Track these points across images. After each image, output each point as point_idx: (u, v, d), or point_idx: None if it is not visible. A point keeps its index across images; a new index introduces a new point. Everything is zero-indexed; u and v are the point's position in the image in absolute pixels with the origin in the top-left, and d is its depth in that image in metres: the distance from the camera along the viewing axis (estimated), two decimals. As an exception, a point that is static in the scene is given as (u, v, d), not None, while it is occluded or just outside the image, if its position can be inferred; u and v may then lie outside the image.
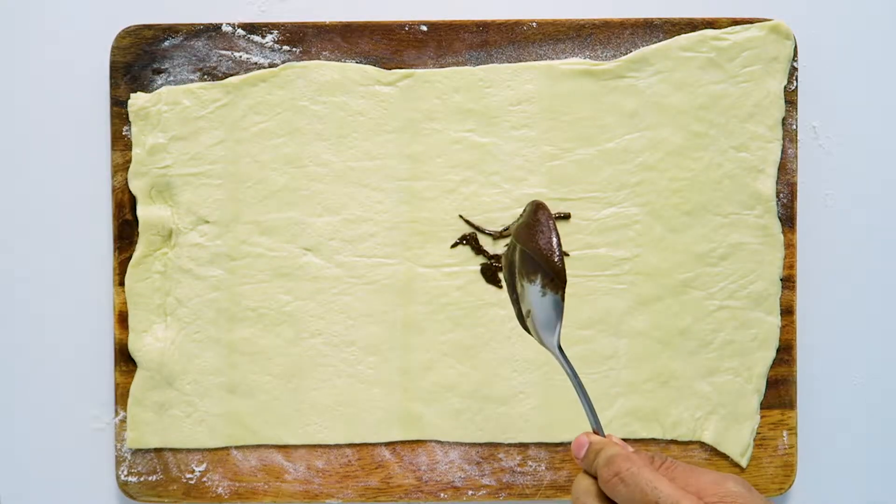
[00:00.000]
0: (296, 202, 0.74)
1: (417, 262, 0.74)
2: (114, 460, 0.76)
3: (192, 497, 0.74)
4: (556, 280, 0.58)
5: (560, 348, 0.58)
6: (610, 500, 0.54)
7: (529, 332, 0.60)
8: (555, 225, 0.58)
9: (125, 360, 0.74)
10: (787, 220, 0.74)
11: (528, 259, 0.60)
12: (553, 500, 0.74)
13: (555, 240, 0.57)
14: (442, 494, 0.74)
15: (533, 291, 0.59)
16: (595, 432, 0.59)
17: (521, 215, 0.63)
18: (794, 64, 0.74)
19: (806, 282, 0.76)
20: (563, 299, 0.57)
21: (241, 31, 0.74)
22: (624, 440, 0.74)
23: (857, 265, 0.77)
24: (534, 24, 0.74)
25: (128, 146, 0.74)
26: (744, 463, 0.74)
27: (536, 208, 0.60)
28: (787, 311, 0.74)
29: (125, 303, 0.74)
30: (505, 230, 0.68)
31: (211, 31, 0.74)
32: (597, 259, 0.74)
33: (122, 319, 0.74)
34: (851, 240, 0.77)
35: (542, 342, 0.59)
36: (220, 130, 0.74)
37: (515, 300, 0.61)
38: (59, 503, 0.77)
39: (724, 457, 0.74)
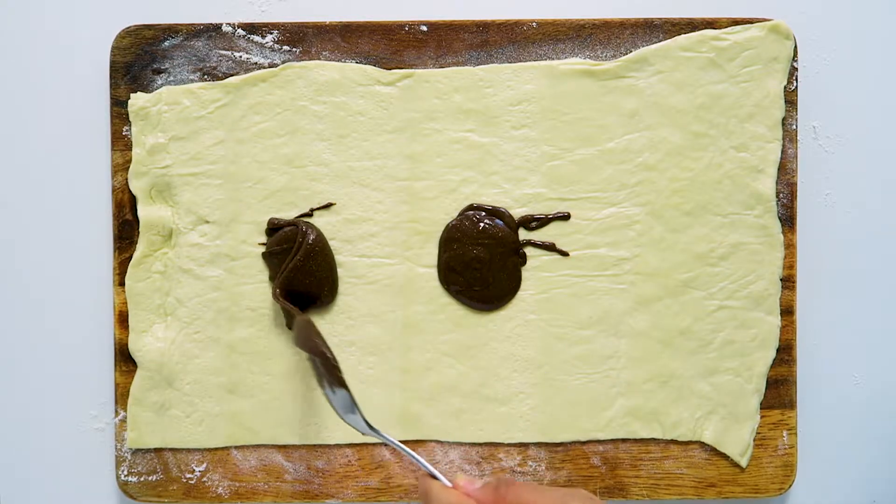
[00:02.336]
0: (296, 202, 0.74)
1: (417, 262, 0.74)
2: (114, 460, 0.76)
3: (192, 497, 0.74)
4: (334, 375, 0.64)
5: (370, 426, 0.64)
6: None
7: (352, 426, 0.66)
8: (316, 332, 0.66)
9: (125, 360, 0.74)
10: (787, 220, 0.74)
11: (314, 368, 0.66)
12: (553, 500, 0.74)
13: (320, 343, 0.64)
14: (442, 494, 0.74)
15: (328, 393, 0.65)
16: (433, 477, 0.60)
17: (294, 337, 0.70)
18: (794, 64, 0.74)
19: (806, 282, 0.76)
20: (349, 391, 0.63)
21: (241, 31, 0.74)
22: (624, 440, 0.74)
23: (857, 265, 0.77)
24: (534, 24, 0.74)
25: (128, 146, 0.74)
26: (744, 463, 0.74)
27: (299, 329, 0.68)
28: (787, 311, 0.74)
29: (125, 303, 0.74)
30: None
31: (211, 31, 0.74)
32: (597, 259, 0.74)
33: (122, 319, 0.74)
34: (851, 240, 0.77)
35: (357, 429, 0.64)
36: (220, 130, 0.74)
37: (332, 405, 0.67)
38: (58, 503, 0.77)
39: (724, 457, 0.74)
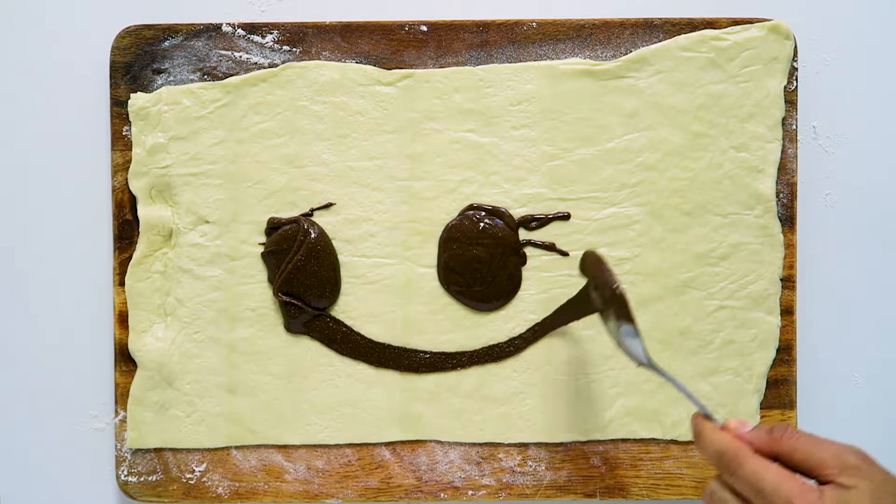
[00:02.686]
0: (296, 202, 0.74)
1: (417, 262, 0.74)
2: (114, 460, 0.76)
3: (192, 497, 0.74)
4: (623, 312, 0.63)
5: (651, 363, 0.62)
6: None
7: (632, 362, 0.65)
8: (609, 266, 0.65)
9: (125, 360, 0.74)
10: (787, 220, 0.74)
11: (600, 294, 0.66)
12: (553, 500, 0.74)
13: (613, 279, 0.64)
14: (442, 494, 0.74)
15: (610, 322, 0.64)
16: (706, 417, 0.59)
17: (581, 266, 0.70)
18: (794, 64, 0.74)
19: (806, 282, 0.76)
20: (635, 327, 0.62)
21: (241, 31, 0.74)
22: (624, 440, 0.74)
23: (857, 265, 0.77)
24: (534, 24, 0.74)
25: (128, 146, 0.74)
26: (744, 463, 0.74)
27: (590, 261, 0.68)
28: (787, 311, 0.74)
29: (125, 303, 0.74)
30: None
31: (211, 31, 0.74)
32: (597, 259, 0.74)
33: (122, 319, 0.74)
34: (851, 240, 0.77)
35: (634, 358, 0.63)
36: (221, 130, 0.74)
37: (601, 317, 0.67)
38: (59, 503, 0.77)
39: (724, 457, 0.74)
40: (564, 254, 0.74)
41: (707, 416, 0.58)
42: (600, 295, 0.65)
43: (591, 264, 0.67)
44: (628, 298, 0.63)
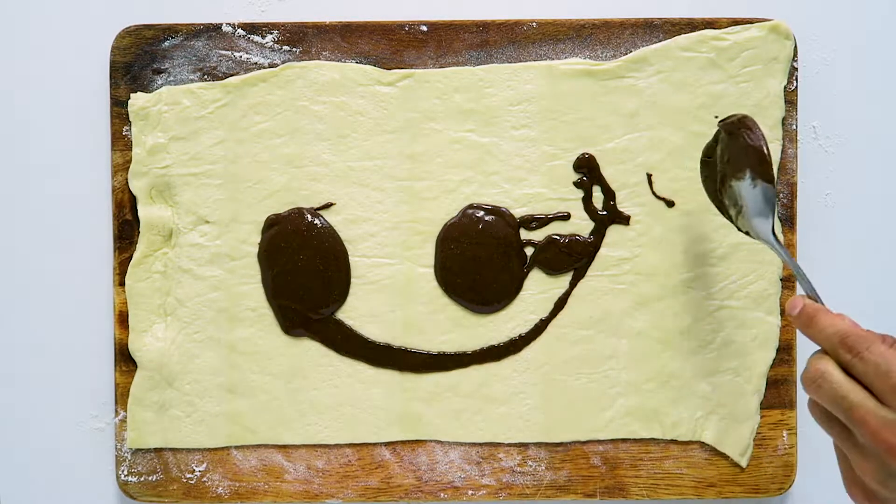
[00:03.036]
0: (296, 202, 0.74)
1: (417, 262, 0.74)
2: (114, 460, 0.76)
3: (192, 497, 0.74)
4: (764, 168, 0.63)
5: (775, 236, 0.62)
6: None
7: (742, 231, 0.65)
8: (761, 130, 0.64)
9: (125, 360, 0.74)
10: (787, 220, 0.74)
11: (735, 158, 0.65)
12: (553, 500, 0.74)
13: (760, 133, 0.63)
14: (442, 494, 0.74)
15: (744, 186, 0.64)
16: (811, 297, 0.58)
17: (719, 135, 0.68)
18: (794, 64, 0.74)
19: (806, 282, 0.76)
20: (774, 187, 0.62)
21: (241, 31, 0.74)
22: (624, 440, 0.74)
23: (857, 265, 0.77)
24: (534, 24, 0.74)
25: (128, 146, 0.74)
26: (744, 463, 0.74)
27: (741, 121, 0.66)
28: (787, 311, 0.74)
29: (125, 303, 0.74)
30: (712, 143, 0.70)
31: (211, 31, 0.74)
32: (597, 259, 0.74)
33: (122, 319, 0.74)
34: (851, 240, 0.77)
35: (755, 235, 0.63)
36: (220, 130, 0.74)
37: (722, 207, 0.67)
38: (59, 503, 0.77)
39: (724, 457, 0.74)
40: (564, 253, 0.74)
41: (816, 300, 0.57)
42: (738, 155, 0.64)
43: (743, 125, 0.65)
44: (772, 158, 0.63)
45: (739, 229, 0.66)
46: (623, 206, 0.74)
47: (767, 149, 0.63)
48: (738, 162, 0.65)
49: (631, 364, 0.74)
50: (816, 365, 0.54)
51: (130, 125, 0.74)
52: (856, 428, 0.52)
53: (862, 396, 0.51)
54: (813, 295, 0.58)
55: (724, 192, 0.67)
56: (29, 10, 0.77)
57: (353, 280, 0.74)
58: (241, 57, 0.74)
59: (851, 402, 0.51)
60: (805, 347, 0.76)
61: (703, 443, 0.74)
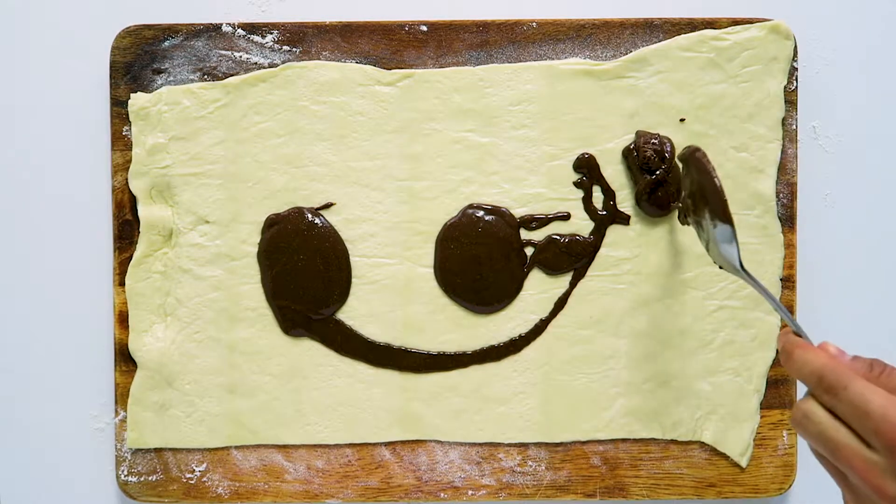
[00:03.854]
0: (296, 202, 0.74)
1: (417, 262, 0.74)
2: (114, 460, 0.76)
3: (192, 497, 0.74)
4: (720, 208, 0.63)
5: (743, 268, 0.63)
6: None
7: (716, 264, 0.66)
8: (711, 165, 0.64)
9: (125, 360, 0.74)
10: (787, 220, 0.74)
11: (696, 195, 0.66)
12: (553, 500, 0.74)
13: (715, 179, 0.63)
14: (442, 494, 0.74)
15: (705, 223, 0.65)
16: (796, 334, 0.56)
17: (681, 166, 0.69)
18: (794, 64, 0.74)
19: (806, 282, 0.76)
20: (733, 227, 0.62)
21: (241, 31, 0.74)
22: (624, 440, 0.74)
23: (857, 265, 0.77)
24: (534, 24, 0.74)
25: (128, 146, 0.74)
26: (744, 463, 0.74)
27: (692, 154, 0.66)
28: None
29: (125, 303, 0.74)
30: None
31: (211, 31, 0.74)
32: (597, 259, 0.74)
33: (122, 319, 0.74)
34: (851, 240, 0.77)
35: (724, 267, 0.64)
36: (220, 130, 0.74)
37: (700, 236, 0.68)
38: (59, 503, 0.77)
39: (724, 457, 0.74)
40: (565, 253, 0.74)
41: (798, 335, 0.55)
42: (697, 190, 0.65)
43: (693, 159, 0.65)
44: (727, 198, 0.62)
45: (714, 261, 0.66)
46: (623, 205, 0.74)
47: (720, 186, 0.62)
48: (699, 199, 0.65)
49: (631, 364, 0.74)
50: (801, 405, 0.53)
51: (130, 125, 0.74)
52: (844, 469, 0.51)
53: (847, 438, 0.50)
54: (792, 326, 0.56)
55: (693, 222, 0.68)
56: (29, 10, 0.77)
57: (353, 280, 0.74)
58: (241, 57, 0.74)
59: (837, 443, 0.50)
60: (805, 347, 0.76)
61: (703, 443, 0.74)
